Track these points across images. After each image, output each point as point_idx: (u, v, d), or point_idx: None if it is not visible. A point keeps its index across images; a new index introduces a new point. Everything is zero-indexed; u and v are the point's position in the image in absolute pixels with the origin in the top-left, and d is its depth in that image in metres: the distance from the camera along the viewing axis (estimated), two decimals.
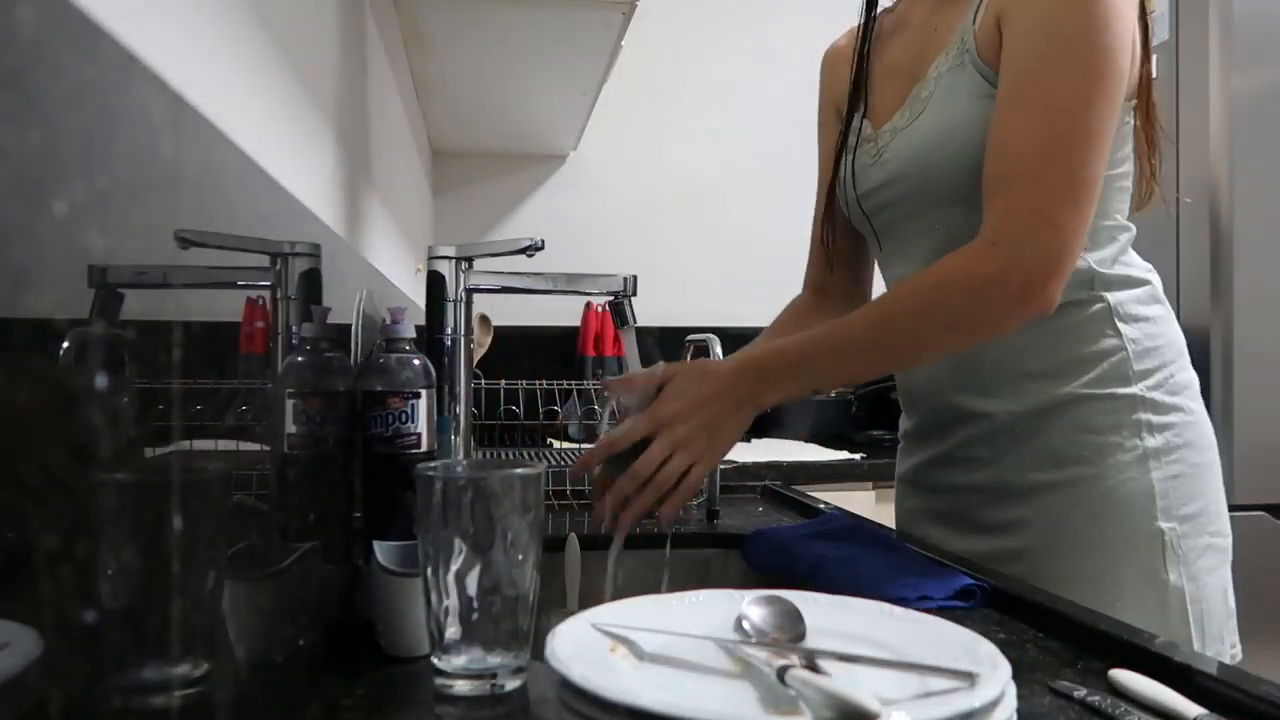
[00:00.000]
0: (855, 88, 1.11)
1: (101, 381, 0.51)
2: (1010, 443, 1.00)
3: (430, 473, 0.65)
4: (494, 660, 0.64)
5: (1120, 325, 0.98)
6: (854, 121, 1.10)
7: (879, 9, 1.14)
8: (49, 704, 0.45)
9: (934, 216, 1.01)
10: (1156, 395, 0.97)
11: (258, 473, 0.82)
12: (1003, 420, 1.00)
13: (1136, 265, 1.03)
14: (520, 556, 0.65)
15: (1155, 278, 1.04)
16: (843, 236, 1.18)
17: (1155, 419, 0.97)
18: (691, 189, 2.81)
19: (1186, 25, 2.00)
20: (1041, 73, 0.88)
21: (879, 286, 1.12)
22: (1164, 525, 0.94)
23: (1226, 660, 0.93)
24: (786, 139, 2.89)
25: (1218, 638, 0.96)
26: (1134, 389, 0.97)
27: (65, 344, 0.48)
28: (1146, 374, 0.98)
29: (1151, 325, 1.00)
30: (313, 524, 0.80)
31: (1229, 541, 1.00)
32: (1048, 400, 0.98)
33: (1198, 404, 1.01)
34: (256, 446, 0.83)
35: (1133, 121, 0.98)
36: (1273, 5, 1.99)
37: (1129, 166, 1.00)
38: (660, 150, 2.81)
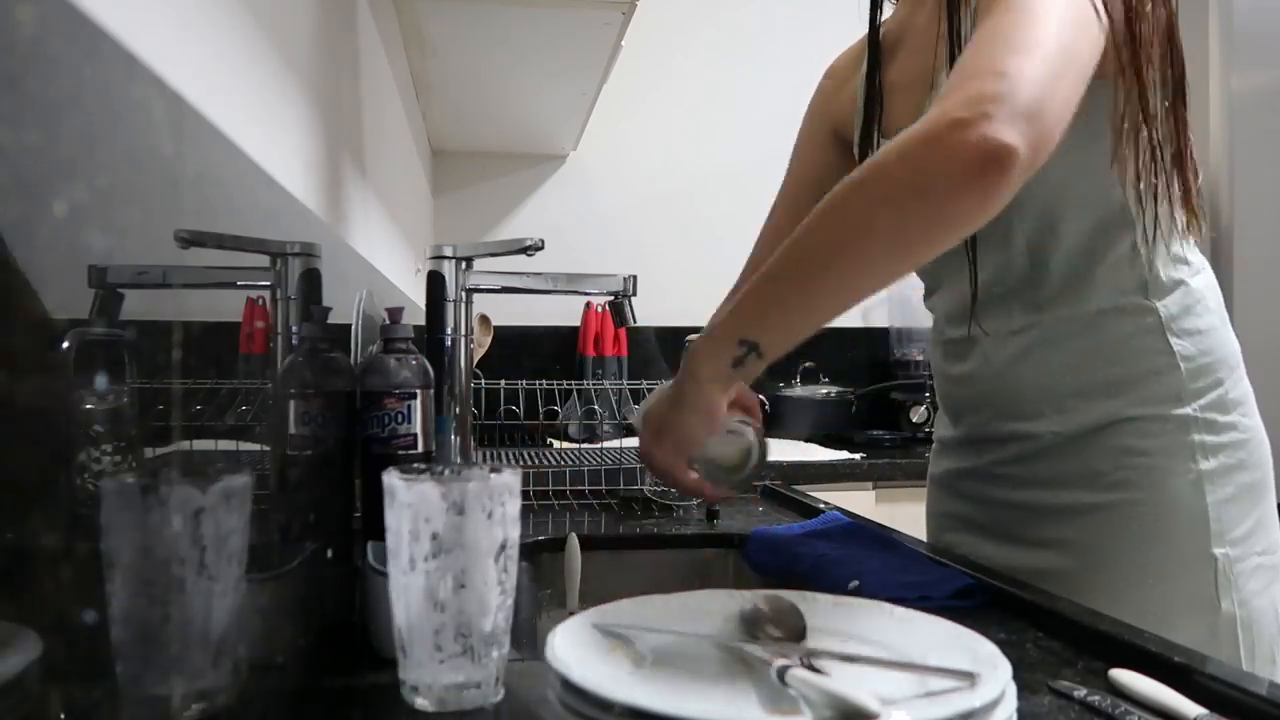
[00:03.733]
0: (869, 103, 1.07)
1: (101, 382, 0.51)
2: (1053, 463, 0.95)
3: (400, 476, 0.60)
4: (444, 679, 0.60)
5: (1172, 340, 0.91)
6: (872, 136, 1.05)
7: (881, 19, 1.10)
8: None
9: None
10: (1211, 415, 0.92)
11: (258, 473, 0.82)
12: (1047, 441, 0.96)
13: (1194, 263, 0.95)
14: (460, 577, 0.59)
15: (1211, 276, 0.97)
16: None
17: (1210, 439, 0.91)
18: (692, 189, 2.81)
19: (1186, 25, 2.00)
20: None
21: None
22: (1217, 551, 0.89)
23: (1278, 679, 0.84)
24: (787, 139, 2.90)
25: (1268, 659, 0.91)
26: (1187, 409, 0.91)
27: (65, 344, 0.48)
28: (1200, 392, 0.92)
29: (1206, 338, 0.93)
30: (313, 524, 0.80)
31: (1278, 558, 0.94)
32: (1094, 420, 0.93)
33: (1253, 419, 0.96)
34: (257, 447, 0.83)
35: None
36: (1273, 5, 1.99)
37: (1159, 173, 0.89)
38: (660, 150, 2.81)
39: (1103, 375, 0.93)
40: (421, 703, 0.60)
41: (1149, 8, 0.88)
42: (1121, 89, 0.88)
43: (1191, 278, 0.94)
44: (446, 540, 0.59)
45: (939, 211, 0.69)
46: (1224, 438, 0.92)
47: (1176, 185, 0.92)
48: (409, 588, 0.59)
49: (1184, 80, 0.92)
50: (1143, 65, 0.88)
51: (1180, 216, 0.93)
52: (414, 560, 0.59)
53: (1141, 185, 0.90)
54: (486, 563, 0.60)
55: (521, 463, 1.76)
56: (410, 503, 0.59)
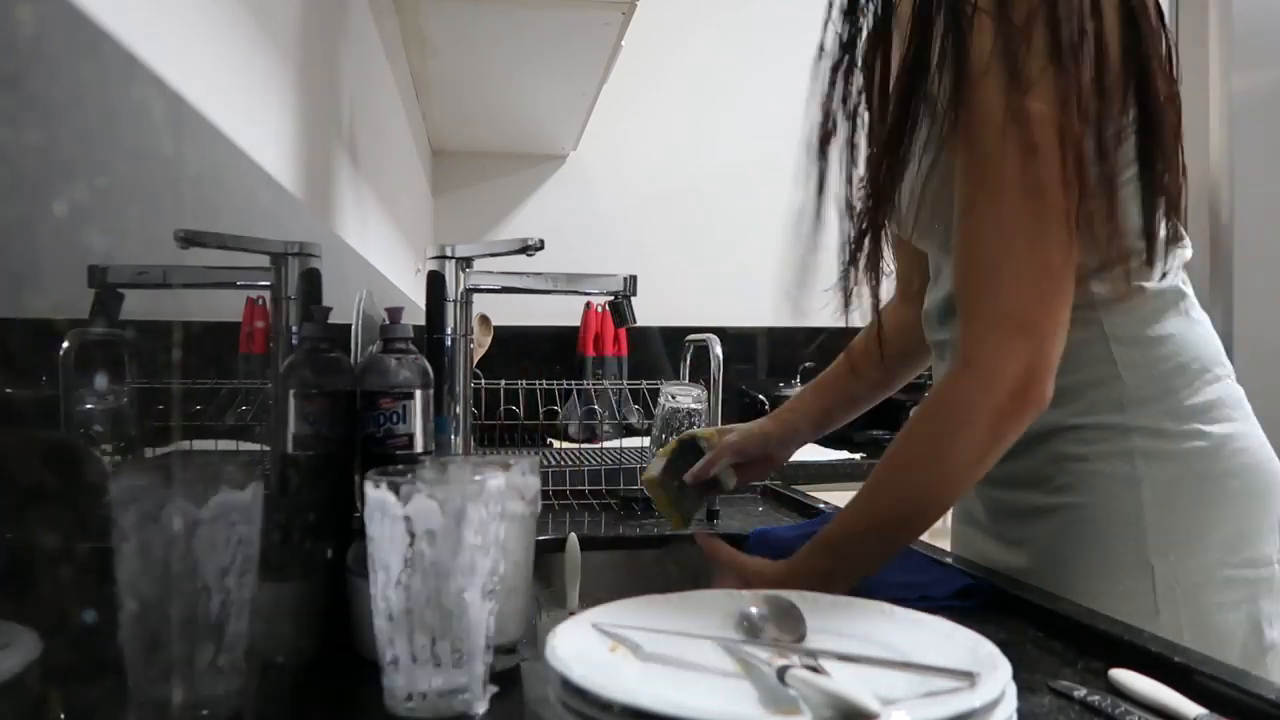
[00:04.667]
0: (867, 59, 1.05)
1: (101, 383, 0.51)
2: (1011, 464, 0.93)
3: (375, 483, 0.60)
4: (426, 685, 0.59)
5: (1116, 349, 0.91)
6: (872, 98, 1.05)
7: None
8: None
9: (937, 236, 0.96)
10: (1157, 423, 0.90)
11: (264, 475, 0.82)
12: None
13: (1153, 280, 0.92)
14: (444, 577, 0.59)
15: (1179, 281, 0.94)
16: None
17: (1157, 446, 0.90)
18: (691, 189, 2.81)
19: (1186, 25, 2.00)
20: (992, 155, 0.82)
21: None
22: (1155, 560, 0.88)
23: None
24: (787, 139, 2.90)
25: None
26: (1125, 417, 0.90)
27: (65, 344, 0.48)
28: (1147, 400, 0.90)
29: (1162, 345, 0.91)
30: (313, 524, 0.80)
31: (1271, 570, 0.90)
32: (1039, 426, 0.90)
33: (1220, 425, 0.91)
34: (257, 447, 0.83)
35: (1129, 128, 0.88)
36: (1273, 5, 1.99)
37: (1133, 172, 0.89)
38: (660, 150, 2.81)
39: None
40: (406, 708, 0.60)
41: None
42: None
43: (1152, 285, 0.92)
44: (427, 545, 0.58)
45: (999, 450, 0.85)
46: (1176, 446, 0.90)
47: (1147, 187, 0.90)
48: (389, 593, 0.59)
49: (1158, 106, 0.89)
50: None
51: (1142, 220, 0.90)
52: (393, 565, 0.58)
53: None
54: (469, 568, 0.59)
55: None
56: (390, 506, 0.58)
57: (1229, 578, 0.89)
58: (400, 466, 0.63)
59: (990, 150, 0.82)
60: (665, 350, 2.66)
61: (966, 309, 0.85)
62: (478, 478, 0.60)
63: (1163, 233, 0.90)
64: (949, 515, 1.14)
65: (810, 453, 2.24)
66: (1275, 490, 0.92)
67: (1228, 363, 0.96)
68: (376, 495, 0.59)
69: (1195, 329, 0.94)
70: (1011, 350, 0.82)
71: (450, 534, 0.58)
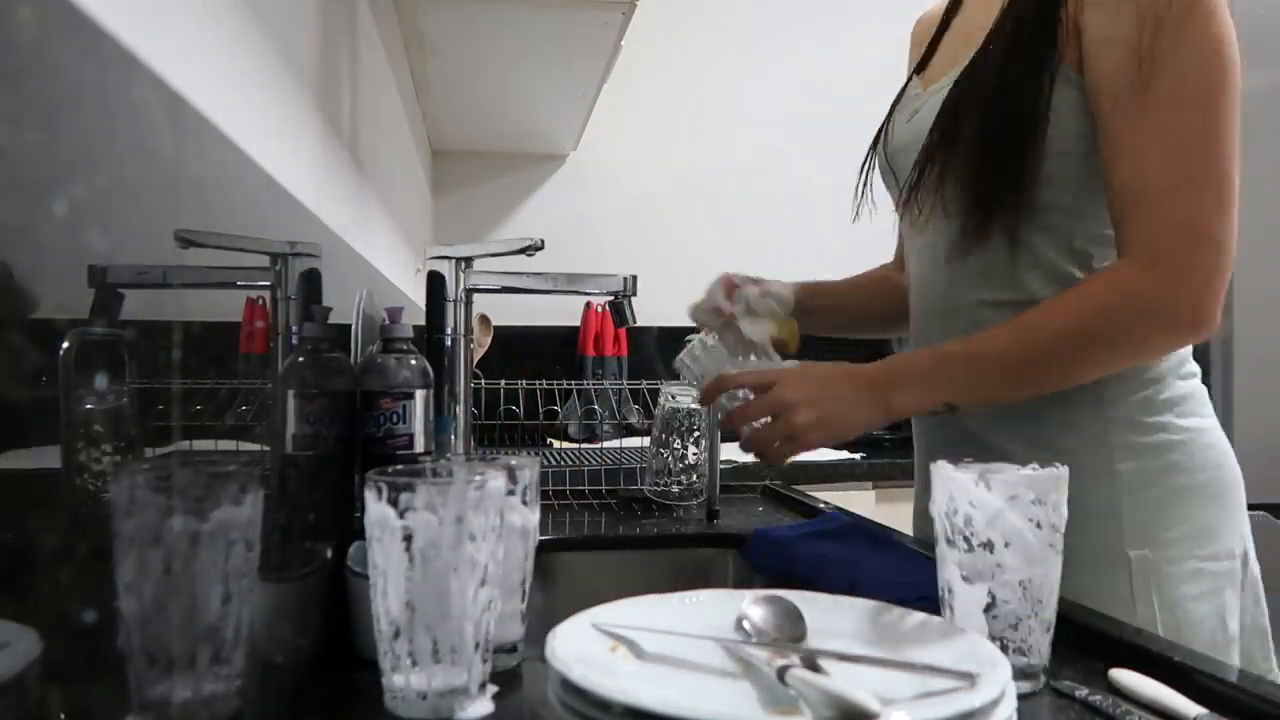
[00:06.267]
0: (929, 49, 1.06)
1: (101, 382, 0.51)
2: (983, 451, 0.93)
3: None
4: (424, 685, 0.59)
5: None
6: (910, 81, 1.06)
7: None
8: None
9: (949, 192, 0.94)
10: (1134, 415, 0.92)
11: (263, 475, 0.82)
12: (974, 427, 0.98)
13: None
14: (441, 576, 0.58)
15: None
16: None
17: (1132, 439, 0.91)
18: (691, 189, 2.81)
19: None
20: (1165, 67, 0.83)
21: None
22: (1133, 552, 0.89)
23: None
24: (787, 139, 2.90)
25: None
26: (1104, 409, 0.92)
27: (65, 344, 0.48)
28: (1125, 394, 0.92)
29: None
30: (313, 524, 0.80)
31: (1234, 564, 0.92)
32: (1014, 415, 0.94)
33: (1191, 420, 0.94)
34: (257, 447, 0.83)
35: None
36: (1273, 5, 1.99)
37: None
38: (660, 150, 2.81)
39: None
40: (406, 708, 0.60)
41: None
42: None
43: None
44: (427, 545, 0.58)
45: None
46: (1149, 438, 0.91)
47: None
48: (389, 593, 0.59)
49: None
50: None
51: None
52: (393, 565, 0.58)
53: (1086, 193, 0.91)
54: (469, 568, 0.59)
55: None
56: (389, 518, 0.58)
57: (1197, 570, 0.90)
58: (400, 467, 0.63)
59: (1167, 61, 0.83)
60: (665, 350, 2.66)
61: (1146, 206, 0.83)
62: (477, 478, 0.60)
63: None
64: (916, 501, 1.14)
65: (810, 453, 2.24)
66: (1238, 485, 0.96)
67: (1194, 363, 0.98)
68: (377, 508, 0.59)
69: None
70: (1198, 259, 0.82)
71: (450, 535, 0.58)
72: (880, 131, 1.08)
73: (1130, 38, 0.84)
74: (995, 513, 0.64)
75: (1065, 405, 0.92)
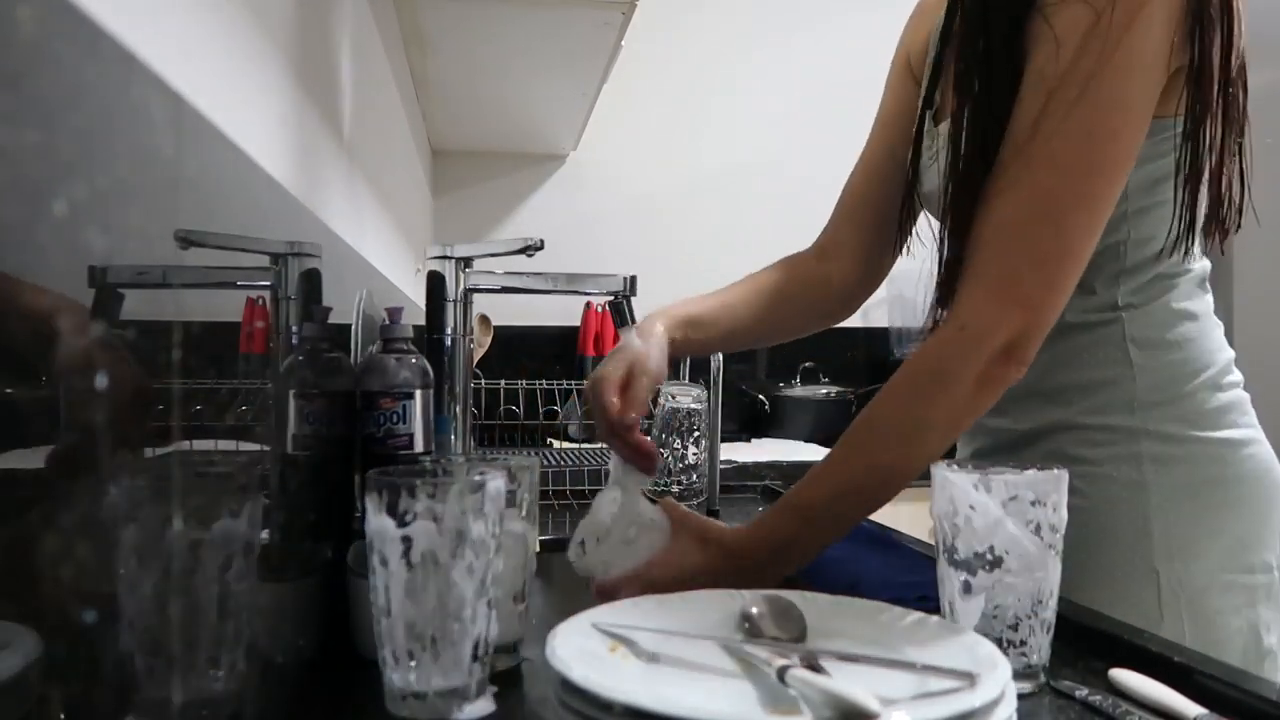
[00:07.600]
0: (932, 84, 1.01)
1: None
2: (1011, 459, 0.90)
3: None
4: (424, 685, 0.59)
5: (1132, 350, 0.90)
6: (923, 117, 1.01)
7: None
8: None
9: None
10: (1167, 427, 0.89)
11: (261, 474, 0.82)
12: (1004, 439, 0.96)
13: (1180, 275, 0.92)
14: (442, 573, 0.58)
15: (1195, 287, 0.94)
16: (874, 211, 1.09)
17: (1163, 450, 0.89)
18: (691, 189, 2.81)
19: None
20: (1052, 121, 0.80)
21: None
22: (1161, 566, 0.87)
23: None
24: (787, 139, 2.90)
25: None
26: (1135, 420, 0.90)
27: (65, 344, 0.48)
28: (1156, 404, 0.90)
29: (1177, 350, 0.91)
30: (313, 524, 0.80)
31: (1270, 577, 0.89)
32: (1045, 423, 0.93)
33: (1228, 431, 0.91)
34: (257, 447, 0.83)
35: (1176, 134, 0.88)
36: (1273, 5, 1.99)
37: (1168, 193, 0.89)
38: (660, 150, 2.81)
39: (1060, 380, 0.92)
40: (406, 708, 0.59)
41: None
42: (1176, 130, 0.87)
43: (1173, 289, 0.92)
44: (427, 546, 0.58)
45: (970, 419, 0.85)
46: (1184, 450, 0.89)
47: (1183, 201, 0.90)
48: (389, 593, 0.59)
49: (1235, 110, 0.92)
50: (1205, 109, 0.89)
51: (1176, 230, 0.90)
52: (393, 566, 0.58)
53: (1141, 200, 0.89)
54: (469, 569, 0.59)
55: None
56: (388, 511, 0.58)
57: (1229, 583, 0.88)
58: (400, 468, 0.63)
59: (1052, 126, 0.80)
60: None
61: (975, 272, 0.83)
62: (477, 479, 0.60)
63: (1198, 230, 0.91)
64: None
65: (810, 453, 2.24)
66: (1278, 497, 0.92)
67: (1238, 372, 0.95)
68: (378, 513, 0.58)
69: (1213, 334, 0.94)
70: (1008, 319, 0.80)
71: (450, 535, 0.58)
72: (909, 172, 1.03)
73: (1050, 80, 0.81)
74: (995, 516, 0.64)
75: (1095, 412, 0.91)
